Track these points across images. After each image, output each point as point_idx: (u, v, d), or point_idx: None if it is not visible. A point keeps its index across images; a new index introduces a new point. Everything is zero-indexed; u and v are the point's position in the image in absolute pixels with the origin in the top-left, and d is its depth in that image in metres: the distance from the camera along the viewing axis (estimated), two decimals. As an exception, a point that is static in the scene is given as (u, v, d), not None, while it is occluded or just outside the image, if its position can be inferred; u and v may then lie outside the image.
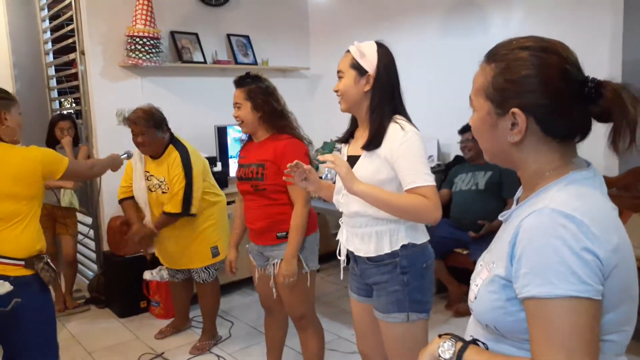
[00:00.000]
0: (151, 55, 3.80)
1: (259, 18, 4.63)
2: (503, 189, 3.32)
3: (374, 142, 1.74)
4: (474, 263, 1.11)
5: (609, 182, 2.98)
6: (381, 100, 1.76)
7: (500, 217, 1.03)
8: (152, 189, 3.03)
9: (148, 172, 3.04)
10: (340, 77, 1.82)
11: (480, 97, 0.97)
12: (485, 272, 0.97)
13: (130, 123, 2.96)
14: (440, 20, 3.93)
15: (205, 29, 4.30)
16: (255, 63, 4.51)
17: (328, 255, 4.66)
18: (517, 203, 1.01)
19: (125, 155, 2.90)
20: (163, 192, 2.98)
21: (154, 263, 3.46)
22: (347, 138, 1.93)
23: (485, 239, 3.19)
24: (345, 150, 1.91)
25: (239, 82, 2.39)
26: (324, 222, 4.57)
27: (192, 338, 3.28)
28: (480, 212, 3.31)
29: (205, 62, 4.24)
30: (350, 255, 1.90)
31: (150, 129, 2.92)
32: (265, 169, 2.31)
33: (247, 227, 2.49)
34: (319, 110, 5.03)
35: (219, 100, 4.36)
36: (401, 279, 1.76)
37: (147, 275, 3.59)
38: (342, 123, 4.30)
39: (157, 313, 3.63)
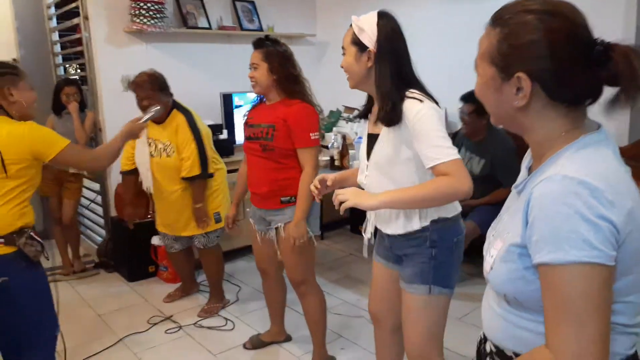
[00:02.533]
0: (156, 20, 3.76)
1: (265, -17, 4.56)
2: (499, 176, 3.29)
3: (387, 120, 1.67)
4: (482, 237, 1.11)
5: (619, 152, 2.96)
6: (386, 75, 1.67)
7: (513, 188, 1.02)
8: (154, 154, 3.05)
9: (151, 138, 3.05)
10: (343, 54, 1.76)
11: (484, 61, 0.95)
12: (499, 242, 0.97)
13: (135, 87, 2.97)
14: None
15: (210, -6, 4.25)
16: (261, 29, 4.46)
17: (334, 223, 4.73)
18: (528, 172, 1.00)
19: (153, 112, 2.61)
20: (168, 156, 3.00)
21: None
22: (366, 113, 1.87)
23: (488, 210, 3.19)
24: (366, 126, 1.86)
25: (258, 44, 2.38)
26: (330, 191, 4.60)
27: (200, 302, 3.35)
28: (475, 197, 3.29)
29: (210, 27, 4.20)
30: (378, 231, 1.88)
31: (156, 93, 2.94)
32: (275, 130, 2.31)
33: (250, 191, 2.51)
34: (325, 78, 4.97)
35: (225, 67, 4.33)
36: (429, 252, 1.73)
37: (155, 240, 3.64)
38: (349, 92, 4.28)
39: (165, 277, 3.70)
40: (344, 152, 3.62)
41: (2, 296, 1.94)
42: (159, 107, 2.70)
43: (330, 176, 1.72)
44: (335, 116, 4.58)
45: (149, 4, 3.70)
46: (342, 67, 1.76)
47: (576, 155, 0.89)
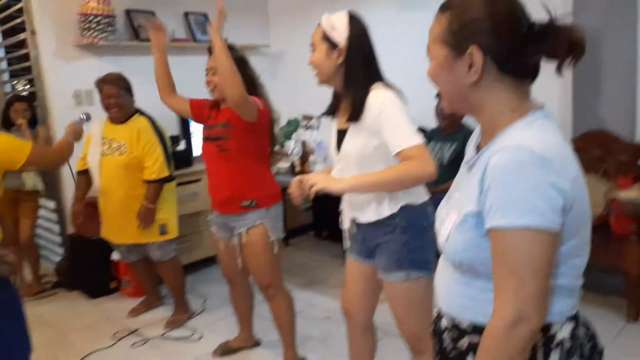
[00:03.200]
0: (106, 33, 3.72)
1: (216, -6, 4.58)
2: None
3: (355, 114, 1.74)
4: None
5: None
6: (356, 72, 1.75)
7: (463, 166, 1.08)
8: (107, 153, 3.03)
9: (106, 137, 3.04)
10: (313, 50, 1.81)
11: (436, 44, 1.02)
12: (454, 214, 1.02)
13: (104, 84, 2.98)
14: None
15: (162, 7, 4.22)
16: (215, 40, 4.47)
17: (298, 229, 4.75)
18: (477, 150, 1.07)
19: (83, 117, 2.72)
20: (120, 155, 2.99)
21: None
22: (333, 111, 1.93)
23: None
24: (334, 123, 1.92)
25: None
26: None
27: (165, 314, 3.30)
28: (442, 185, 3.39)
29: (163, 40, 4.17)
30: (352, 223, 1.92)
31: (123, 91, 2.99)
32: (231, 128, 2.33)
33: (211, 196, 2.51)
34: (281, 87, 5.01)
35: (179, 79, 4.22)
36: (401, 238, 1.78)
37: (116, 255, 3.56)
38: (306, 101, 4.38)
39: (128, 292, 3.63)
40: (304, 158, 3.67)
41: None
42: (90, 114, 2.82)
43: (306, 176, 1.76)
44: (294, 125, 4.62)
45: (99, 17, 3.66)
46: (311, 63, 1.81)
47: (527, 128, 0.96)
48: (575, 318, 1.00)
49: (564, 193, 0.89)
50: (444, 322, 1.11)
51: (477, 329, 1.00)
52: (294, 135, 4.39)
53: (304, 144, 3.78)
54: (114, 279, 3.68)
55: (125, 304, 3.49)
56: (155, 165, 2.96)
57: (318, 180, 1.65)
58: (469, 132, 3.44)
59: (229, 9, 4.67)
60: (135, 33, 4.04)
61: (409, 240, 1.78)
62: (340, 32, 1.74)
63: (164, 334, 3.07)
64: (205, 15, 4.50)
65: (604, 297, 3.07)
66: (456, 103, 1.06)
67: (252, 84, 2.39)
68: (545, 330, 0.96)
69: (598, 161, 3.20)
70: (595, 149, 3.25)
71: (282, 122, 4.74)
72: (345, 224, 1.96)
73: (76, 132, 2.43)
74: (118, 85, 2.99)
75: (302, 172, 3.65)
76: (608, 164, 3.19)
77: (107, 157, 3.02)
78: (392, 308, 1.88)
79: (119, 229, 3.11)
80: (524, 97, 1.00)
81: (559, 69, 0.96)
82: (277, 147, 4.39)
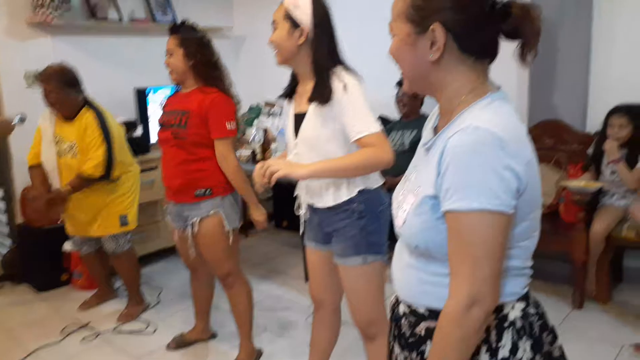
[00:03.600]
0: (60, 10, 3.54)
1: (178, -26, 4.42)
2: None
3: (320, 97, 1.71)
4: None
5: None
6: (320, 53, 1.72)
7: (420, 147, 1.07)
8: (62, 154, 2.88)
9: (58, 135, 2.88)
10: (274, 28, 1.76)
11: (399, 21, 1.00)
12: (411, 197, 1.01)
13: (42, 80, 2.80)
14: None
15: (119, -15, 4.05)
16: (175, 22, 4.32)
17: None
18: (435, 132, 1.05)
19: (18, 119, 2.68)
20: (73, 157, 2.84)
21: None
22: (290, 94, 1.89)
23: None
24: (291, 107, 1.88)
25: (174, 29, 2.33)
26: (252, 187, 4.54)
27: (118, 307, 3.18)
28: (403, 171, 3.37)
29: (121, 20, 4.01)
30: (308, 208, 1.91)
31: (63, 88, 2.78)
32: (189, 118, 2.25)
33: (164, 184, 2.42)
34: (243, 72, 4.90)
35: (138, 62, 4.15)
36: (358, 223, 1.78)
37: (68, 246, 3.42)
38: (268, 87, 4.29)
39: (80, 285, 3.49)
40: (265, 146, 3.59)
41: None
42: (26, 117, 2.75)
43: (268, 162, 1.71)
44: (256, 112, 4.52)
45: (52, -6, 3.47)
46: (271, 41, 1.77)
47: (485, 108, 0.95)
48: (525, 298, 1.01)
49: (518, 176, 0.89)
50: (402, 308, 1.10)
51: (434, 314, 1.00)
52: (255, 122, 4.29)
53: (265, 131, 3.70)
54: (65, 270, 3.53)
55: (76, 297, 3.35)
56: (91, 163, 2.77)
57: (280, 166, 1.64)
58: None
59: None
60: (92, 12, 3.85)
61: (366, 225, 1.79)
62: (304, 11, 1.71)
63: (117, 327, 2.95)
64: (165, -4, 4.34)
65: (552, 284, 3.12)
66: (417, 82, 1.05)
67: (212, 67, 2.31)
68: (498, 310, 0.97)
69: (550, 150, 3.26)
70: (548, 139, 3.30)
71: (244, 108, 4.64)
72: (302, 210, 1.94)
73: (2, 127, 2.31)
74: (56, 80, 2.77)
75: (264, 159, 3.56)
76: (560, 154, 3.24)
77: (62, 159, 2.88)
78: (348, 293, 1.88)
79: (79, 223, 2.98)
80: (483, 78, 1.01)
81: (522, 54, 0.96)
82: (238, 135, 4.32)
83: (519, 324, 0.98)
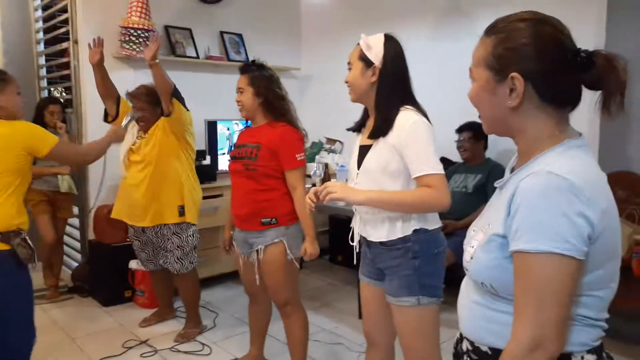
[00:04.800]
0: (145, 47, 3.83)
1: (252, 17, 4.70)
2: (488, 190, 3.40)
3: (379, 131, 1.78)
4: (457, 265, 1.16)
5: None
6: (387, 90, 1.79)
7: (495, 184, 1.09)
8: (134, 149, 3.08)
9: (137, 145, 3.08)
10: (349, 69, 1.87)
11: (479, 67, 1.03)
12: (481, 234, 1.03)
13: (132, 97, 3.04)
14: (431, 25, 4.04)
15: (199, 25, 4.35)
16: (247, 61, 4.56)
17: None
18: (511, 172, 1.07)
19: (129, 118, 2.90)
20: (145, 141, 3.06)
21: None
22: (360, 127, 1.96)
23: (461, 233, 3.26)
24: (358, 139, 1.95)
25: (244, 69, 2.47)
26: (310, 220, 4.62)
27: (176, 327, 3.30)
28: (465, 213, 3.37)
29: (197, 57, 4.29)
30: (362, 241, 1.94)
31: (151, 105, 3.01)
32: (259, 150, 2.37)
33: (232, 213, 2.53)
34: (308, 110, 5.07)
35: (210, 96, 4.40)
36: (412, 263, 1.77)
37: (133, 264, 3.60)
38: (330, 124, 4.41)
39: (141, 302, 3.65)
40: (326, 180, 3.68)
41: None
42: (136, 115, 2.93)
43: (326, 184, 1.78)
44: (317, 147, 4.66)
45: (138, 31, 3.78)
46: (347, 81, 1.88)
47: (561, 155, 0.96)
48: (597, 351, 0.98)
49: (591, 222, 0.89)
50: (465, 345, 1.10)
51: (497, 353, 0.99)
52: (316, 157, 4.42)
53: (326, 166, 3.80)
54: (129, 287, 3.70)
55: (137, 313, 3.50)
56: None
57: (337, 188, 1.69)
58: (494, 165, 3.46)
59: (265, 31, 4.83)
60: (172, 48, 4.15)
61: (421, 266, 1.78)
62: (376, 52, 1.80)
63: (174, 346, 3.06)
64: (240, 36, 4.61)
65: (625, 345, 2.96)
66: (495, 126, 1.07)
67: (279, 103, 2.43)
68: (565, 359, 0.94)
69: (623, 203, 3.15)
70: (621, 191, 3.19)
71: (306, 144, 4.78)
72: (355, 241, 1.97)
73: (118, 133, 2.62)
74: (142, 99, 3.03)
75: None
76: (633, 207, 3.14)
77: (135, 147, 3.07)
78: (400, 333, 1.87)
79: (137, 209, 3.07)
80: (563, 125, 1.01)
81: (604, 106, 0.96)
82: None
83: None
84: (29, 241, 2.06)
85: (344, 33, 4.62)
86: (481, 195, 3.41)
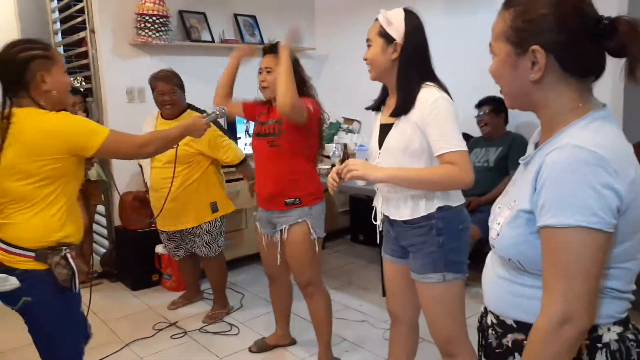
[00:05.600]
0: (160, 33, 3.85)
1: (266, -2, 4.68)
2: (509, 163, 3.38)
3: (401, 109, 1.75)
4: (482, 240, 1.16)
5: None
6: (409, 67, 1.76)
7: (520, 161, 1.08)
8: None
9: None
10: (368, 46, 1.82)
11: (500, 41, 1.01)
12: (507, 210, 1.03)
13: (159, 80, 3.05)
14: (444, 3, 3.96)
15: (212, 8, 4.35)
16: (262, 42, 4.56)
17: (335, 232, 4.77)
18: (535, 147, 1.06)
19: (214, 114, 2.30)
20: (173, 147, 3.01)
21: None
22: (379, 106, 1.94)
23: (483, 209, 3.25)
24: (378, 117, 1.93)
25: (270, 49, 2.46)
26: (331, 201, 4.65)
27: (204, 309, 3.38)
28: (488, 188, 3.35)
29: (213, 41, 4.29)
30: (385, 219, 1.94)
31: (177, 88, 3.06)
32: (281, 125, 2.37)
33: (256, 192, 2.56)
34: (324, 91, 4.98)
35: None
36: (437, 240, 1.77)
37: (159, 248, 3.67)
38: (347, 104, 4.39)
39: (168, 286, 3.73)
40: (345, 160, 3.68)
41: (27, 316, 1.75)
42: (222, 109, 2.41)
43: (347, 162, 1.76)
44: (335, 127, 4.66)
45: (154, 18, 3.79)
46: (366, 58, 1.83)
47: (586, 127, 0.95)
48: (624, 323, 0.99)
49: (619, 194, 0.88)
50: (489, 319, 1.11)
51: (522, 326, 1.00)
52: (335, 138, 4.42)
53: (345, 146, 3.81)
54: (156, 271, 3.79)
55: (165, 296, 3.59)
56: (230, 152, 3.09)
57: (358, 166, 1.67)
58: (516, 137, 3.43)
59: (278, 12, 4.81)
60: (187, 33, 4.16)
61: (445, 242, 1.78)
62: (397, 28, 1.76)
63: (203, 327, 3.14)
64: (254, 17, 4.59)
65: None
66: (518, 100, 1.05)
67: (303, 84, 2.43)
68: (591, 331, 0.95)
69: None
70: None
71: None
72: (378, 220, 1.97)
73: (194, 128, 2.04)
74: (172, 82, 3.05)
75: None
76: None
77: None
78: (425, 310, 1.88)
79: (175, 217, 3.11)
80: (586, 96, 0.99)
81: (630, 72, 0.93)
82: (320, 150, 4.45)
83: (614, 346, 0.95)
84: (70, 260, 1.72)
85: (358, 10, 4.58)
86: (503, 169, 3.39)
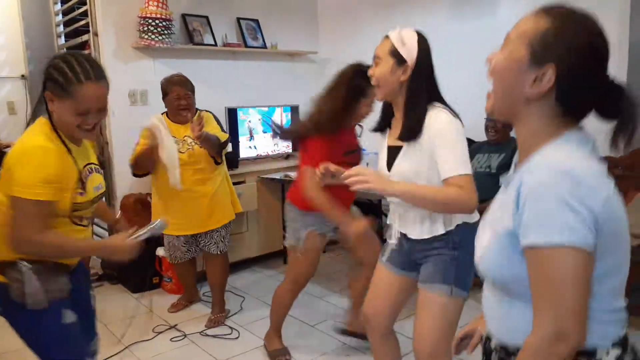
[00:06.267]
0: (163, 36, 3.86)
1: (268, 2, 4.69)
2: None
3: (410, 133, 1.72)
4: None
5: (614, 162, 3.03)
6: (419, 91, 1.73)
7: (501, 182, 1.07)
8: (183, 151, 3.01)
9: (178, 137, 3.03)
10: (377, 63, 1.77)
11: (520, 40, 0.97)
12: (490, 231, 1.03)
13: (175, 85, 3.05)
14: (448, 8, 3.98)
15: (215, 12, 4.36)
16: (265, 46, 4.57)
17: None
18: (514, 168, 1.07)
19: (155, 227, 1.86)
20: (195, 145, 3.01)
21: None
22: (384, 127, 1.90)
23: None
24: (385, 138, 1.89)
25: None
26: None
27: (203, 312, 3.38)
28: (489, 195, 3.32)
29: (215, 44, 4.30)
30: (402, 237, 1.89)
31: (191, 93, 3.09)
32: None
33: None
34: (326, 94, 5.08)
35: (230, 82, 4.43)
36: (452, 253, 1.77)
37: (160, 251, 3.67)
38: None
39: (169, 289, 3.73)
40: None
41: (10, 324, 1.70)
42: (161, 222, 1.88)
43: (361, 170, 1.70)
44: (337, 131, 4.66)
45: (157, 21, 3.80)
46: (373, 76, 1.77)
47: (560, 148, 0.96)
48: (622, 344, 0.98)
49: (593, 211, 0.88)
50: (494, 343, 1.10)
51: None
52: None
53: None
54: (157, 274, 3.79)
55: (165, 299, 3.59)
56: (223, 135, 3.14)
57: (371, 178, 1.61)
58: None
59: (281, 16, 4.82)
60: (190, 37, 4.17)
61: (459, 256, 1.76)
62: (410, 49, 1.72)
63: (203, 331, 3.13)
64: (257, 21, 4.61)
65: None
66: (502, 106, 1.03)
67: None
68: (590, 355, 0.95)
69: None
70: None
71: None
72: (393, 239, 1.91)
73: (116, 250, 1.75)
74: (187, 87, 3.06)
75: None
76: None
77: (185, 154, 3.00)
78: (418, 321, 1.82)
79: (206, 219, 3.11)
80: (568, 126, 0.99)
81: (615, 137, 0.96)
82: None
83: None
84: (27, 277, 1.59)
85: (361, 14, 4.58)
86: (505, 175, 3.37)
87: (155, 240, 3.51)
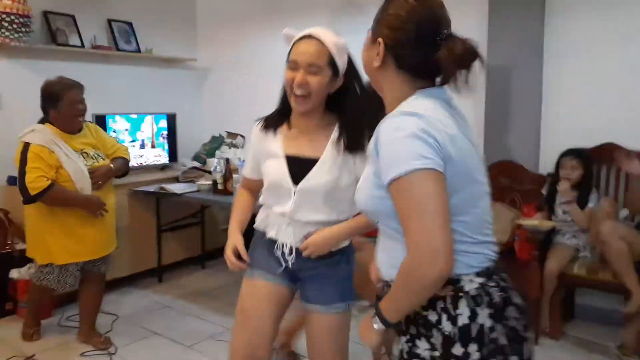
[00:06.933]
0: (20, 34, 3.48)
1: (143, 4, 4.44)
2: None
3: (357, 145, 1.60)
4: None
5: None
6: (357, 101, 1.64)
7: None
8: (88, 164, 2.81)
9: (78, 150, 2.79)
10: (313, 72, 1.56)
11: (372, 25, 1.18)
12: (361, 179, 1.18)
13: (71, 88, 2.76)
14: (328, 19, 4.04)
15: (83, 12, 4.03)
16: (139, 50, 4.31)
17: (215, 251, 4.58)
18: None
19: None
20: (103, 159, 2.89)
21: (24, 260, 3.16)
22: (277, 127, 1.69)
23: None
24: (278, 145, 1.67)
25: None
26: (212, 217, 4.49)
27: (64, 338, 3.07)
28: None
29: (83, 46, 3.96)
30: (292, 251, 1.69)
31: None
32: None
33: None
34: (207, 103, 4.93)
35: (99, 88, 4.07)
36: (349, 269, 1.72)
37: (15, 273, 3.26)
38: (230, 118, 4.27)
39: (25, 315, 3.30)
40: (227, 176, 3.56)
41: None
42: None
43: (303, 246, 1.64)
44: (218, 142, 4.52)
45: (12, 16, 3.41)
46: (309, 85, 1.57)
47: (410, 101, 1.10)
48: (487, 274, 1.07)
49: (438, 141, 1.00)
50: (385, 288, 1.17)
51: None
52: (217, 153, 4.28)
53: (227, 161, 3.68)
54: (10, 299, 3.35)
55: (21, 327, 3.17)
56: (124, 148, 3.11)
57: (319, 247, 1.62)
58: None
59: (156, 18, 4.59)
60: (53, 36, 3.80)
61: (351, 269, 1.73)
62: (344, 61, 1.61)
63: (84, 352, 2.86)
64: (130, 24, 4.33)
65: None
66: (370, 79, 1.21)
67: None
68: (455, 282, 1.05)
69: (506, 190, 3.38)
70: (504, 179, 3.42)
71: (206, 138, 4.62)
72: (287, 255, 1.69)
73: None
74: (82, 91, 2.81)
75: (225, 190, 3.54)
76: (515, 193, 3.37)
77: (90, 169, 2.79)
78: (317, 341, 1.72)
79: (109, 241, 2.98)
80: (415, 87, 1.12)
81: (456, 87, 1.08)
82: (199, 164, 4.27)
83: (473, 292, 1.05)
84: None
85: (243, 21, 4.51)
86: None
87: (8, 262, 3.11)
